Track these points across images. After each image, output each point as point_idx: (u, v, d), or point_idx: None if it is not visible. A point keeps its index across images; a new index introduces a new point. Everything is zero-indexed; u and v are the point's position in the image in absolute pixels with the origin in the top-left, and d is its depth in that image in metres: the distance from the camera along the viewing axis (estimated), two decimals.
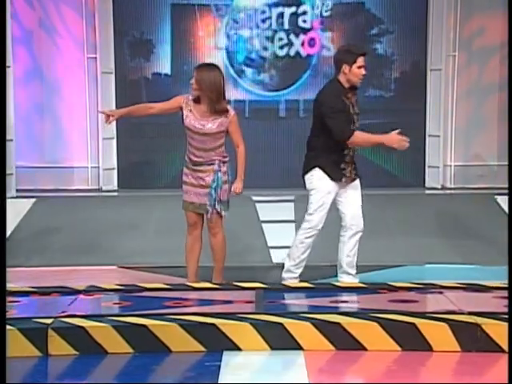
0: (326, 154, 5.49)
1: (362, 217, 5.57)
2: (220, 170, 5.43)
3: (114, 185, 9.78)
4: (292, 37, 9.73)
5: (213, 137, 5.37)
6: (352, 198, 5.57)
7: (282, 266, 5.82)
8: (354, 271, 5.62)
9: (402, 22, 9.73)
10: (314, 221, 5.55)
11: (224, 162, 5.46)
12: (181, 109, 5.42)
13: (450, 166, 9.85)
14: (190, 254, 5.65)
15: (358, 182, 5.63)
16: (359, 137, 5.40)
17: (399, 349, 4.14)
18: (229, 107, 5.41)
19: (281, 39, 9.74)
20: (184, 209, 5.61)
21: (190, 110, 5.38)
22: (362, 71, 5.39)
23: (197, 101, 5.38)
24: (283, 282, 5.54)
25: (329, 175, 5.51)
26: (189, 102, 5.40)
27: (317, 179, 5.51)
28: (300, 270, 5.63)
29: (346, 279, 5.59)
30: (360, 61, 5.38)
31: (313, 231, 5.56)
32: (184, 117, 5.41)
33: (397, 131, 5.39)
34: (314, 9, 9.69)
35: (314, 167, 5.52)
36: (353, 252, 5.59)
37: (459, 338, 4.13)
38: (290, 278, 5.61)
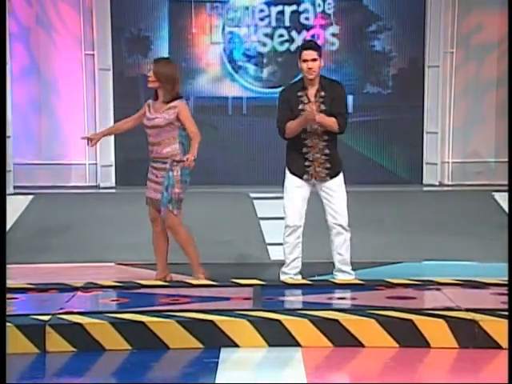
0: (289, 152, 5.58)
1: (348, 215, 5.53)
2: (172, 170, 5.48)
3: (112, 181, 9.77)
4: (293, 34, 9.71)
5: (163, 129, 5.48)
6: (332, 197, 5.53)
7: (279, 262, 5.81)
8: (348, 268, 5.60)
9: (399, 19, 9.72)
10: (288, 218, 5.55)
11: (177, 162, 5.48)
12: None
13: (448, 162, 9.85)
14: (155, 248, 5.71)
15: (337, 180, 5.53)
16: (288, 127, 5.42)
17: (397, 345, 4.14)
18: (180, 99, 5.52)
19: (281, 36, 9.73)
20: (146, 204, 5.71)
21: (149, 110, 5.55)
22: (306, 65, 5.38)
23: (156, 98, 5.55)
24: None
25: (293, 172, 5.54)
26: (151, 103, 5.59)
27: (286, 178, 5.59)
28: (294, 271, 5.59)
29: (341, 276, 5.57)
30: (304, 55, 5.40)
31: (290, 229, 5.54)
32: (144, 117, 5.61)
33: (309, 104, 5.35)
34: (315, 6, 9.68)
35: (286, 166, 5.61)
36: (343, 249, 5.57)
37: (457, 335, 4.13)
38: (287, 278, 5.59)
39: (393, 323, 4.17)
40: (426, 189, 9.56)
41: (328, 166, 5.49)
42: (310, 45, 5.59)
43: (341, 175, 5.56)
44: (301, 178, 5.52)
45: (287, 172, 5.59)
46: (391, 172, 9.82)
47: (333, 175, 5.52)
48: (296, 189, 5.53)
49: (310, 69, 5.37)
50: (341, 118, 5.44)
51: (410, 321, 4.16)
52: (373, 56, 9.77)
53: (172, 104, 5.46)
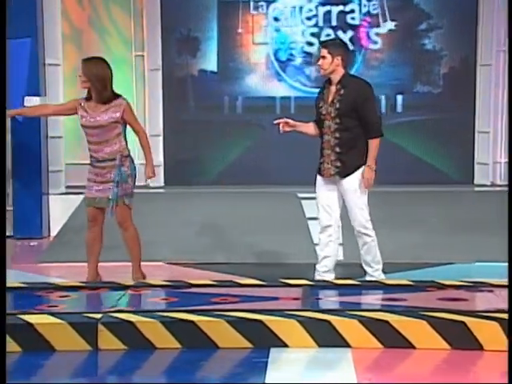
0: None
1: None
2: (123, 165, 5.50)
3: (161, 181, 9.85)
4: (340, 33, 9.67)
5: (106, 128, 5.45)
6: (345, 199, 5.48)
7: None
8: (370, 269, 5.56)
9: (450, 17, 9.59)
10: (319, 217, 5.57)
11: (126, 156, 5.53)
12: (75, 111, 5.56)
13: (500, 162, 9.68)
14: (89, 249, 5.67)
15: (350, 180, 5.41)
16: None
17: (449, 348, 4.08)
18: (121, 98, 5.50)
19: (328, 35, 9.69)
20: (86, 205, 5.64)
21: (85, 110, 5.49)
22: (317, 62, 5.46)
23: (89, 98, 5.51)
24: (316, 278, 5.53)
25: (317, 171, 5.57)
26: (83, 103, 5.54)
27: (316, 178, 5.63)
28: (324, 269, 5.56)
29: (366, 277, 5.58)
30: (320, 52, 5.49)
31: (320, 228, 5.56)
32: (80, 118, 5.53)
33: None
34: (361, 6, 9.63)
35: None
36: (363, 251, 5.53)
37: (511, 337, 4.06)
38: (317, 275, 5.59)
39: (445, 325, 4.11)
40: (477, 189, 9.42)
41: (338, 164, 5.42)
42: (323, 42, 5.70)
43: (356, 176, 5.41)
44: (319, 174, 5.54)
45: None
46: (442, 172, 9.69)
47: (344, 175, 5.42)
48: (320, 188, 5.54)
49: (318, 66, 5.45)
50: (370, 123, 5.38)
51: (463, 323, 4.10)
52: (423, 55, 9.65)
53: (114, 103, 5.45)
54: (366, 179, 5.39)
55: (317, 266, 5.63)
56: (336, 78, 5.42)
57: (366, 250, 5.54)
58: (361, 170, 5.42)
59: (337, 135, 5.40)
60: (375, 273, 5.57)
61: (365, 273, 5.65)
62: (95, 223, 5.62)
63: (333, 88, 5.43)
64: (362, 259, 5.60)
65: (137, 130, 5.60)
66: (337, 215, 5.53)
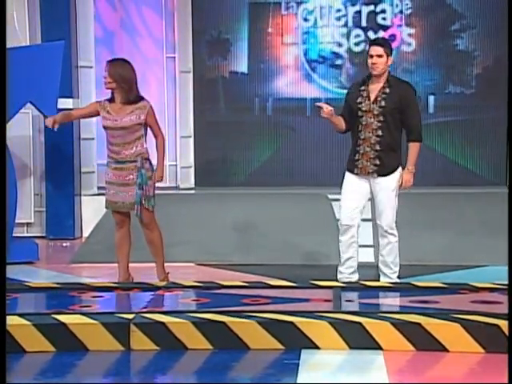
0: (350, 148, 5.56)
1: (392, 217, 5.43)
2: (143, 167, 5.50)
3: (191, 183, 9.90)
4: (370, 34, 9.63)
5: (129, 130, 5.45)
6: (377, 197, 5.47)
7: (365, 264, 5.76)
8: (388, 270, 5.53)
9: (484, 17, 9.50)
10: (341, 218, 5.53)
11: (146, 159, 5.54)
12: (98, 113, 5.56)
13: None
14: (119, 250, 5.68)
15: (388, 179, 5.43)
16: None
17: (482, 351, 4.03)
18: (145, 100, 5.54)
19: (357, 36, 9.66)
20: (107, 208, 5.65)
21: (108, 112, 5.49)
22: (371, 60, 5.38)
23: (112, 100, 5.51)
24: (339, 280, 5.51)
25: (348, 169, 5.53)
26: (104, 104, 5.54)
27: (344, 177, 5.57)
28: (349, 270, 5.56)
29: (382, 278, 5.54)
30: (370, 50, 5.42)
31: (342, 228, 5.52)
32: (102, 119, 5.53)
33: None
34: (393, 6, 9.57)
35: None
36: (385, 251, 5.51)
37: None
38: (343, 278, 5.56)
39: (478, 328, 4.06)
40: None
41: (377, 162, 5.41)
42: (377, 41, 5.62)
43: (394, 176, 5.43)
44: (352, 172, 5.49)
45: (346, 170, 5.59)
46: (474, 173, 9.61)
47: (382, 173, 5.42)
48: (349, 186, 5.50)
49: (373, 64, 5.38)
50: (413, 126, 5.41)
51: (497, 326, 4.05)
52: (455, 55, 9.58)
53: (139, 105, 5.48)
54: (405, 181, 5.42)
55: (340, 268, 5.60)
56: (383, 76, 5.42)
57: (388, 250, 5.50)
58: (398, 172, 5.43)
59: (379, 133, 5.39)
60: (393, 275, 5.54)
61: (379, 275, 5.60)
62: (122, 225, 5.66)
63: (376, 86, 5.42)
64: (380, 260, 5.57)
65: (156, 134, 5.61)
66: (360, 216, 5.52)
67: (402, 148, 5.51)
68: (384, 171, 5.42)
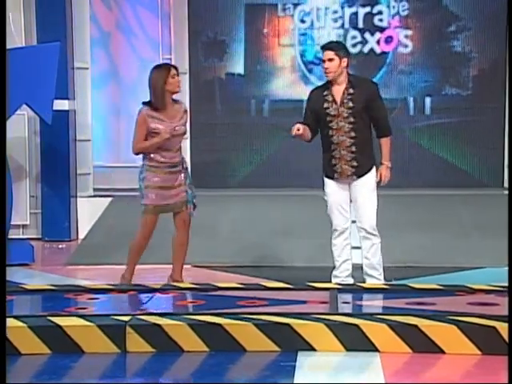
0: (323, 154, 5.54)
1: (374, 218, 5.42)
2: (186, 168, 5.62)
3: None
4: (367, 35, 9.62)
5: (181, 137, 5.55)
6: (357, 198, 5.46)
7: (356, 266, 5.75)
8: (375, 272, 5.51)
9: (480, 19, 9.50)
10: (333, 223, 5.52)
11: (185, 160, 5.65)
12: (147, 127, 5.40)
13: None
14: (136, 255, 5.68)
15: (365, 179, 5.43)
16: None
17: (479, 353, 4.03)
18: (182, 102, 5.61)
19: (354, 37, 9.65)
20: (152, 213, 5.53)
21: (161, 120, 5.41)
22: (323, 65, 5.42)
23: (155, 108, 5.41)
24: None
25: (326, 175, 5.51)
26: (150, 114, 5.41)
27: (324, 183, 5.54)
28: (345, 274, 5.55)
29: (369, 281, 5.51)
30: (322, 55, 5.44)
31: (336, 232, 5.52)
32: (155, 130, 5.38)
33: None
34: (390, 8, 9.57)
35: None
36: (370, 254, 5.48)
37: None
38: (338, 281, 5.54)
39: (475, 330, 4.06)
40: (506, 192, 9.30)
41: (355, 164, 5.41)
42: (327, 45, 5.55)
43: (370, 175, 5.45)
44: (332, 178, 5.47)
45: (324, 175, 5.56)
46: (471, 175, 9.60)
47: (359, 174, 5.43)
48: (334, 191, 5.49)
49: (326, 69, 5.40)
50: (383, 121, 5.45)
51: (493, 328, 4.05)
52: (452, 57, 9.57)
53: (183, 109, 5.54)
54: (383, 176, 5.46)
55: (335, 273, 5.59)
56: (342, 79, 5.40)
57: (373, 252, 5.49)
58: (373, 170, 5.46)
59: (352, 134, 5.38)
60: (380, 276, 5.53)
61: (364, 278, 5.57)
62: (182, 224, 5.63)
63: (339, 88, 5.40)
64: (365, 264, 5.53)
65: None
66: (349, 218, 5.52)
67: (374, 144, 5.53)
68: (361, 172, 5.43)
